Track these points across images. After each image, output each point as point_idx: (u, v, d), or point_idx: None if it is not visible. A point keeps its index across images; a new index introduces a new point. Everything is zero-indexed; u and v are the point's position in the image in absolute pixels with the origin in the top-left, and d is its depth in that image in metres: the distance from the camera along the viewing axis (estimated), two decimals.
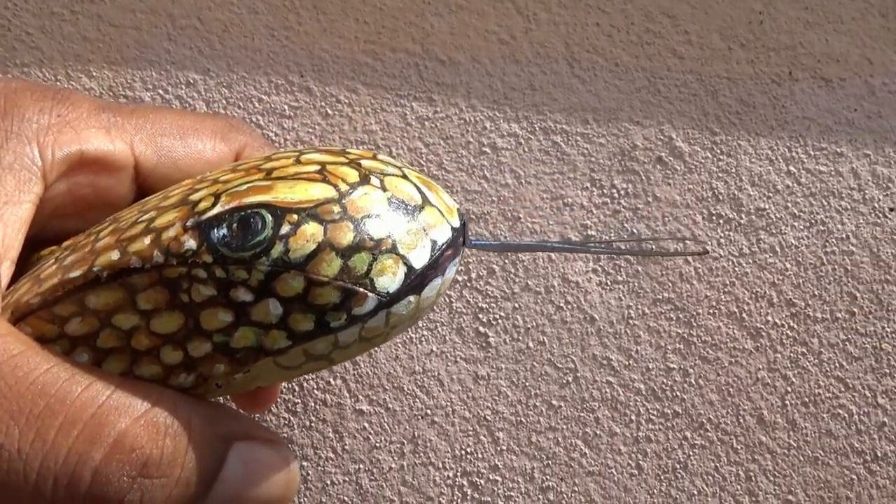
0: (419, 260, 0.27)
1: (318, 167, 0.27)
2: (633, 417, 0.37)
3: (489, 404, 0.36)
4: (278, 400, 0.37)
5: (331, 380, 0.37)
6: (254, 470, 0.27)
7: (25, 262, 0.29)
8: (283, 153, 0.29)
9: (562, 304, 0.37)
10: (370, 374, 0.37)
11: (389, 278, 0.26)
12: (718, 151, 0.37)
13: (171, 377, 0.27)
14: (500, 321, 0.37)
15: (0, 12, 0.36)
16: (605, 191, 0.37)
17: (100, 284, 0.27)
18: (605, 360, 0.37)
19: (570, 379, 0.37)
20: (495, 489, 0.37)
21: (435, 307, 0.37)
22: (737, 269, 0.37)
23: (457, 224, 0.28)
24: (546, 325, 0.37)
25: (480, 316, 0.37)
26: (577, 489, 0.37)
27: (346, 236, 0.26)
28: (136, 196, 0.31)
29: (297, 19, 0.36)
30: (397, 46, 0.36)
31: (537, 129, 0.37)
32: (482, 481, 0.36)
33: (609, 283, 0.37)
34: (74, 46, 0.36)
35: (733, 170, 0.37)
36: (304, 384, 0.37)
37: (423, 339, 0.37)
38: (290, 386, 0.37)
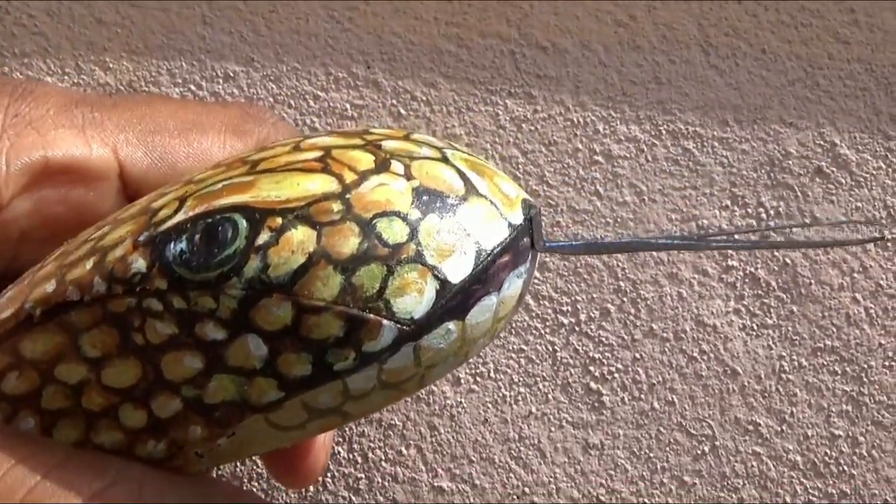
0: (457, 271, 0.23)
1: (319, 153, 0.24)
2: (788, 499, 0.34)
3: (603, 481, 0.34)
4: (336, 474, 0.34)
5: (402, 449, 0.34)
6: None
7: None
8: (285, 140, 0.26)
9: (695, 354, 0.34)
10: (452, 441, 0.34)
11: (413, 298, 0.23)
12: (894, 160, 0.35)
13: (137, 445, 0.24)
14: (616, 375, 0.34)
15: None
16: (749, 210, 0.35)
17: (34, 326, 0.24)
18: (750, 424, 0.34)
19: (706, 449, 0.34)
20: None
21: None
22: None
23: (518, 220, 0.24)
24: (676, 380, 0.34)
25: (592, 369, 0.34)
26: None
27: (347, 243, 0.23)
28: None
29: None
30: (487, 30, 0.35)
31: (663, 132, 0.35)
32: None
33: (755, 326, 0.34)
34: (87, 32, 0.35)
35: None
36: (369, 455, 0.34)
37: (518, 397, 0.34)
38: (350, 457, 0.34)
